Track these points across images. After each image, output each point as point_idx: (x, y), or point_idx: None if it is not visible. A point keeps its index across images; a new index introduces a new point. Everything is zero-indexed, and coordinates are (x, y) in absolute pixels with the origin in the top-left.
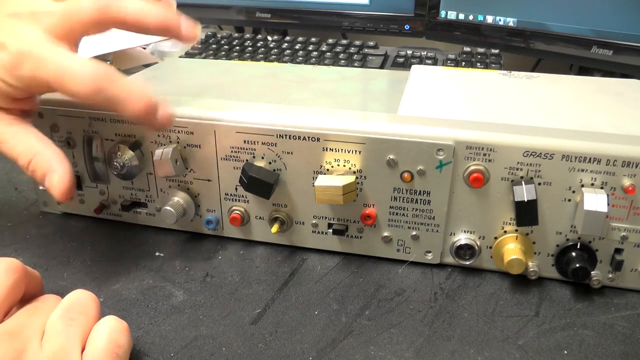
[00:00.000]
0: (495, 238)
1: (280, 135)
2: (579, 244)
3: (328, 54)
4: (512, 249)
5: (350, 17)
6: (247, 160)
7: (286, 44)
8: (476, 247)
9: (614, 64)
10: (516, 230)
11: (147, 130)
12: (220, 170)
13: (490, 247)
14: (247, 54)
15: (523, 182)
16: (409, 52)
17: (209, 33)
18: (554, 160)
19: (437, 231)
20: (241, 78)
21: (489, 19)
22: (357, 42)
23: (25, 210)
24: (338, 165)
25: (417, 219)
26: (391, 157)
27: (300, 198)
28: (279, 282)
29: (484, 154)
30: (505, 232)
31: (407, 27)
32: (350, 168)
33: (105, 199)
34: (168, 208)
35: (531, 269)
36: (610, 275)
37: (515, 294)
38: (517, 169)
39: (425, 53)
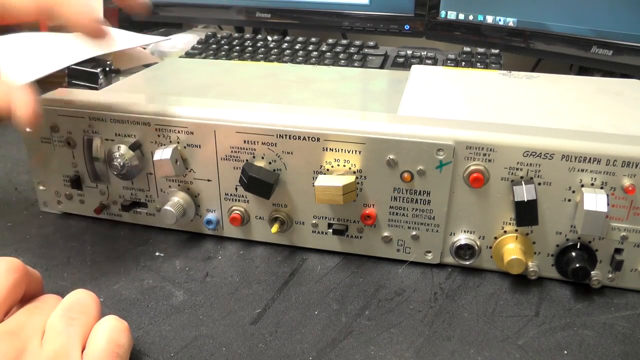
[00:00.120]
0: (495, 238)
1: (280, 135)
2: (579, 244)
3: (328, 54)
4: (512, 249)
5: (350, 17)
6: (247, 160)
7: (286, 44)
8: (476, 247)
9: (614, 64)
10: (516, 230)
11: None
12: (220, 170)
13: (490, 247)
14: (247, 54)
15: (523, 182)
16: (409, 52)
17: (209, 33)
18: (554, 160)
19: (437, 231)
20: (241, 78)
21: (489, 19)
22: (357, 42)
23: (25, 210)
24: (338, 165)
25: (417, 219)
26: (391, 157)
27: (300, 198)
28: (279, 282)
29: (484, 154)
30: (505, 232)
31: (407, 27)
32: (350, 168)
33: (105, 199)
34: (168, 208)
35: (531, 269)
36: (610, 275)
37: (515, 294)
38: (517, 169)
39: (425, 53)
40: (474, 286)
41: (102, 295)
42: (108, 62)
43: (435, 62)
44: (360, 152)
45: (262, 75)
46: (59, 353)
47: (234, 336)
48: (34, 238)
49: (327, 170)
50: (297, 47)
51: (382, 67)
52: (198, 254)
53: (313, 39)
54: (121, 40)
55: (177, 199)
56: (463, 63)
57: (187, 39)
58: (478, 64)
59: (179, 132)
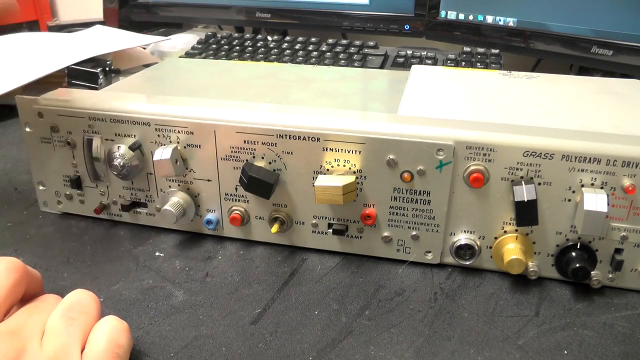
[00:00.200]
0: (495, 238)
1: (280, 135)
2: (579, 244)
3: (328, 54)
4: (512, 249)
5: (350, 17)
6: (247, 160)
7: (286, 44)
8: (476, 247)
9: (614, 64)
10: (516, 230)
11: None
12: (220, 170)
13: (490, 247)
14: (247, 54)
15: (523, 182)
16: (409, 52)
17: (209, 33)
18: (554, 160)
19: (437, 231)
20: (241, 78)
21: (489, 19)
22: (357, 42)
23: (25, 210)
24: (338, 165)
25: (417, 219)
26: (391, 157)
27: (300, 198)
28: (279, 282)
29: (484, 154)
30: (505, 232)
31: (407, 27)
32: (350, 168)
33: (105, 199)
34: (168, 208)
35: (531, 269)
36: (610, 275)
37: (515, 294)
38: (517, 169)
39: (425, 53)
40: (474, 286)
41: (102, 295)
42: (108, 62)
43: (435, 62)
44: (360, 152)
45: (262, 75)
46: (59, 353)
47: (234, 336)
48: (34, 238)
49: (327, 170)
50: (297, 47)
51: (382, 67)
52: (198, 254)
53: (313, 39)
54: (121, 40)
55: (177, 199)
56: (463, 63)
57: (187, 39)
58: (478, 64)
59: (179, 132)
